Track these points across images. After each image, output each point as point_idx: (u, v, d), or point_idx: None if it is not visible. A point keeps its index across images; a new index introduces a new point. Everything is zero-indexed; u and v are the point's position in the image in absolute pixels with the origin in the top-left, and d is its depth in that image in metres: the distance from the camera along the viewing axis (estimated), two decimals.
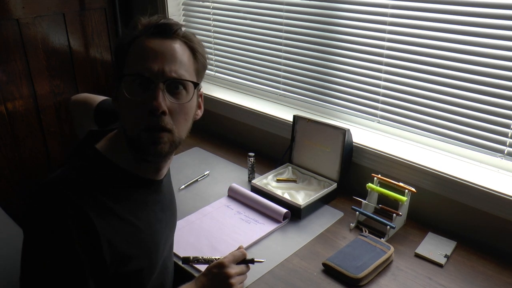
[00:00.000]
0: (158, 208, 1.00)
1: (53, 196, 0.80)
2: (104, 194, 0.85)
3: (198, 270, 1.15)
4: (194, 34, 0.93)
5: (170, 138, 0.86)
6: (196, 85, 0.90)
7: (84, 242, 0.79)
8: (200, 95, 0.97)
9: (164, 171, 0.99)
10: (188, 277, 1.15)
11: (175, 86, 0.86)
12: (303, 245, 1.28)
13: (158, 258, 1.00)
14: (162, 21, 0.87)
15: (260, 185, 1.51)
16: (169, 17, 0.95)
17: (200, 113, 0.98)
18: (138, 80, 0.84)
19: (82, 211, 0.79)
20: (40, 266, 0.78)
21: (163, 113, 0.83)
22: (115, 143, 0.92)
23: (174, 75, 0.85)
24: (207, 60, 0.96)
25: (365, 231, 1.32)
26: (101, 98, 1.17)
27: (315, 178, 1.57)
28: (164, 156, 0.89)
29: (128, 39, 0.88)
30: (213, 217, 1.40)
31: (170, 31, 0.87)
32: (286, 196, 1.46)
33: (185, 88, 0.88)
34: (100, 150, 0.91)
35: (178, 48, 0.87)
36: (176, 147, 0.89)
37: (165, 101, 0.84)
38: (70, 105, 1.27)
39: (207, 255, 1.16)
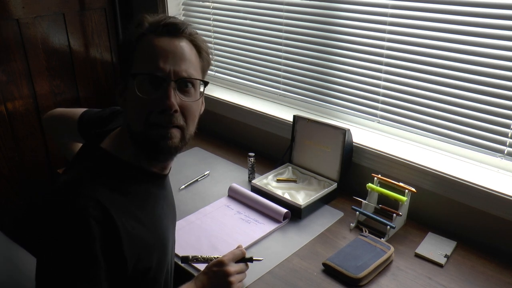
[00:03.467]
0: (165, 203, 1.02)
1: (72, 197, 0.79)
2: (119, 192, 0.87)
3: (197, 270, 1.15)
4: (197, 32, 0.95)
5: (181, 134, 0.89)
6: (206, 83, 0.94)
7: (106, 241, 0.79)
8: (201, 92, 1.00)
9: (170, 166, 1.01)
10: (187, 276, 1.15)
11: (185, 84, 0.89)
12: (303, 245, 1.28)
13: (168, 253, 1.02)
14: (170, 20, 0.89)
15: (260, 185, 1.51)
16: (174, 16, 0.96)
17: (203, 108, 1.00)
18: (149, 79, 0.86)
19: (104, 209, 0.80)
20: (58, 267, 0.78)
21: (175, 111, 0.86)
22: (120, 140, 0.93)
23: (184, 74, 0.88)
24: (211, 55, 0.98)
25: (365, 231, 1.32)
26: (79, 110, 1.20)
27: (315, 178, 1.57)
28: (175, 151, 0.91)
29: (136, 36, 0.89)
30: (213, 217, 1.40)
31: (178, 30, 0.89)
32: (287, 196, 1.46)
33: (193, 86, 0.91)
34: (107, 149, 0.92)
35: (186, 47, 0.90)
36: (186, 143, 0.92)
37: (176, 99, 0.86)
38: (46, 123, 1.28)
39: (206, 254, 1.17)
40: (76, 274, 0.77)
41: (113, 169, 0.90)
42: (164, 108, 0.85)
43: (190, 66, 0.89)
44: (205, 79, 0.95)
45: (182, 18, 2.13)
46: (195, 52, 0.92)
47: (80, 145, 1.09)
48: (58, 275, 0.77)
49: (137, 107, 0.87)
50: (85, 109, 1.20)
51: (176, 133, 0.88)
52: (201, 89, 0.94)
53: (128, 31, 0.91)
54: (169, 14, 2.06)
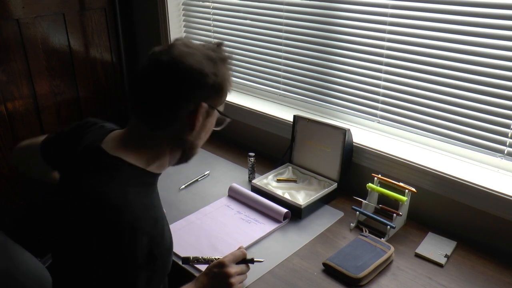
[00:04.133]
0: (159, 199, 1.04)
1: (124, 211, 0.86)
2: (144, 196, 0.92)
3: (198, 270, 1.16)
4: None
5: None
6: None
7: (147, 249, 0.87)
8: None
9: None
10: (188, 277, 1.15)
11: None
12: (303, 245, 1.28)
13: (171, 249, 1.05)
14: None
15: (261, 185, 1.51)
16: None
17: None
18: (220, 120, 1.03)
19: (145, 219, 0.88)
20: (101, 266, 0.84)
21: None
22: (126, 144, 0.96)
23: None
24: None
25: (365, 231, 1.32)
26: (40, 137, 1.19)
27: (315, 178, 1.57)
28: None
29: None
30: (213, 217, 1.40)
31: None
32: (287, 196, 1.46)
33: None
34: (115, 154, 0.94)
35: None
36: None
37: None
38: (14, 154, 1.27)
39: (207, 255, 1.17)
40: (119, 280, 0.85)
41: (134, 177, 0.93)
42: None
43: None
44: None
45: (182, 18, 2.13)
46: None
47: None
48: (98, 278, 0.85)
49: (206, 135, 1.03)
50: (44, 136, 1.20)
51: None
52: None
53: (216, 61, 0.96)
54: (169, 14, 2.06)
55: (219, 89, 0.97)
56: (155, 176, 0.98)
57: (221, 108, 1.01)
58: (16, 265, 1.19)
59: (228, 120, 1.05)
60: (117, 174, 0.91)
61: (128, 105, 2.33)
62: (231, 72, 1.00)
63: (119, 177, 0.91)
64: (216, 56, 0.95)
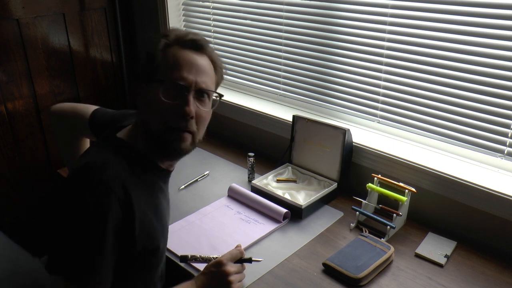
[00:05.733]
0: (164, 199, 1.08)
1: (98, 174, 0.86)
2: (136, 178, 0.94)
3: (196, 270, 1.16)
4: (212, 48, 1.03)
5: (192, 139, 0.99)
6: (221, 95, 1.04)
7: (122, 220, 0.86)
8: None
9: (175, 165, 1.09)
10: (187, 277, 1.15)
11: (202, 95, 0.99)
12: (303, 245, 1.28)
13: (166, 240, 1.08)
14: (195, 36, 1.00)
15: (260, 185, 1.51)
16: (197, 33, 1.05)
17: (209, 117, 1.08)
18: (173, 86, 0.95)
19: (126, 192, 0.88)
20: (70, 233, 0.83)
21: (192, 117, 0.95)
22: (135, 134, 1.01)
23: (203, 85, 0.98)
24: (224, 70, 1.07)
25: (365, 231, 1.32)
26: (91, 107, 1.25)
27: (315, 178, 1.56)
28: (185, 153, 1.01)
29: (162, 45, 0.97)
30: (213, 217, 1.40)
31: (201, 46, 1.00)
32: (287, 196, 1.45)
33: (208, 97, 1.01)
34: (125, 139, 1.00)
35: (206, 62, 1.00)
36: (195, 147, 1.02)
37: (194, 106, 0.96)
38: (55, 116, 1.30)
39: (205, 254, 1.17)
40: (85, 242, 0.83)
41: (130, 157, 0.96)
42: (183, 114, 0.94)
43: (208, 79, 0.99)
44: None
45: (182, 18, 2.14)
46: (212, 68, 1.02)
47: (83, 143, 1.21)
48: (68, 239, 0.83)
49: (159, 110, 0.95)
50: (95, 106, 1.26)
51: (188, 137, 0.97)
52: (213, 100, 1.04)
53: (154, 39, 0.99)
54: (169, 14, 2.07)
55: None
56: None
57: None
58: (17, 268, 1.19)
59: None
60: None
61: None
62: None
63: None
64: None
